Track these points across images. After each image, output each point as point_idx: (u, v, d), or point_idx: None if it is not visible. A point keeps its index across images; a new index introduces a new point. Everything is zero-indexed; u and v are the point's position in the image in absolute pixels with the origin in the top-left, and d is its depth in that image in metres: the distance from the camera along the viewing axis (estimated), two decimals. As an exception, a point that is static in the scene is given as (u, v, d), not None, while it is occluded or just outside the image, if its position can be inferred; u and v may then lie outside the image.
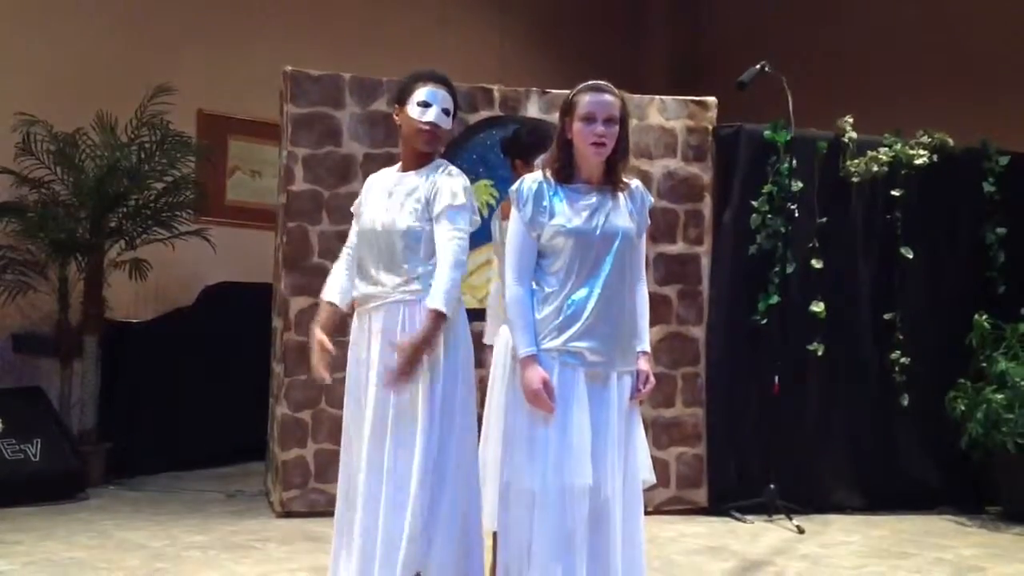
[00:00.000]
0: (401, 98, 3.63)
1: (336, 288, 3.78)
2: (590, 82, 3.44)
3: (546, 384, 3.23)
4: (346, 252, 3.83)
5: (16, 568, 4.58)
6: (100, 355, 6.55)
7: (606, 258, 3.34)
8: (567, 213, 3.34)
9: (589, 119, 3.34)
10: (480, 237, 5.97)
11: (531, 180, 3.39)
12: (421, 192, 3.56)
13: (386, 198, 3.61)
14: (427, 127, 3.58)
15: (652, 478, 3.56)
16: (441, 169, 3.61)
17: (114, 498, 6.13)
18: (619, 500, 3.32)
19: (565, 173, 3.40)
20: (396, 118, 3.66)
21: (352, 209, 3.79)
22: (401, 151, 3.72)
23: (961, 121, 7.05)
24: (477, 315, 5.87)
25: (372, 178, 3.78)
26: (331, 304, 3.78)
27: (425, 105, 3.56)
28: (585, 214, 3.35)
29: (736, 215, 6.33)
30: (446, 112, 3.63)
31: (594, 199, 3.38)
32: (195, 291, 7.31)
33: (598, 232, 3.34)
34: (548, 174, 3.41)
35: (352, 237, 3.79)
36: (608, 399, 3.34)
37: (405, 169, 3.67)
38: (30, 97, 6.59)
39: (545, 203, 3.35)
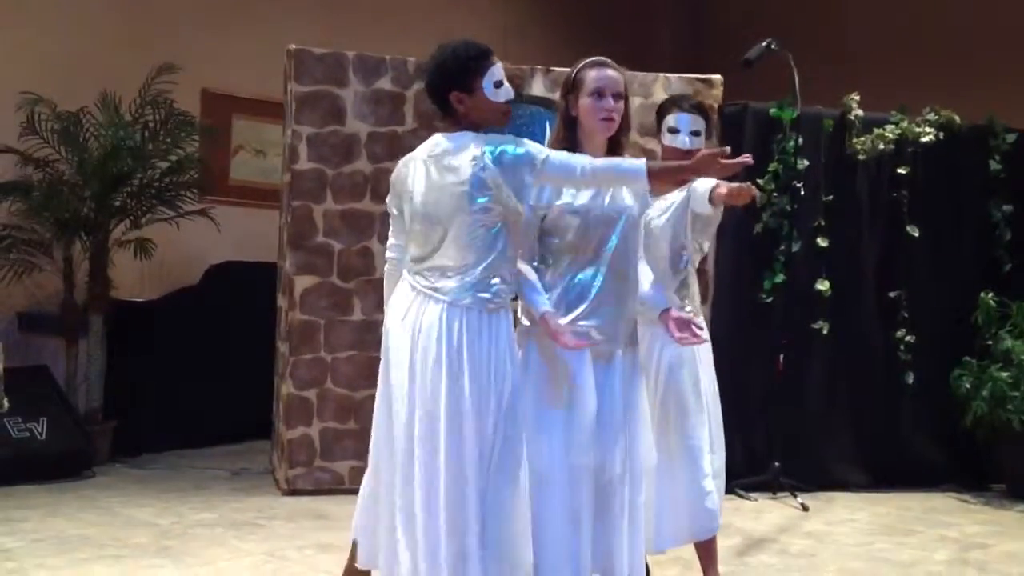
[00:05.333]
0: (465, 83, 3.19)
1: None
2: (593, 58, 3.43)
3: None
4: None
5: (23, 545, 4.60)
6: (105, 334, 6.55)
7: (611, 236, 3.34)
8: (573, 191, 3.33)
9: (599, 94, 3.33)
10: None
11: None
12: None
13: None
14: (509, 106, 3.28)
15: (653, 459, 3.56)
16: None
17: (120, 476, 6.15)
18: (622, 478, 3.33)
19: (570, 151, 3.39)
20: (460, 105, 3.20)
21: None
22: (474, 128, 3.23)
23: (968, 98, 7.02)
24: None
25: None
26: None
27: (500, 84, 3.23)
28: (591, 192, 3.34)
29: (741, 193, 6.30)
30: None
31: (599, 177, 3.37)
32: (200, 270, 7.31)
33: (604, 210, 3.33)
34: (553, 153, 3.40)
35: None
36: (612, 378, 3.35)
37: None
38: (34, 76, 6.57)
39: (551, 181, 3.34)
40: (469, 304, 3.12)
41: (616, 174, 3.16)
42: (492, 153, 3.11)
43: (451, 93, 3.21)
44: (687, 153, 3.98)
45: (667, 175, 3.16)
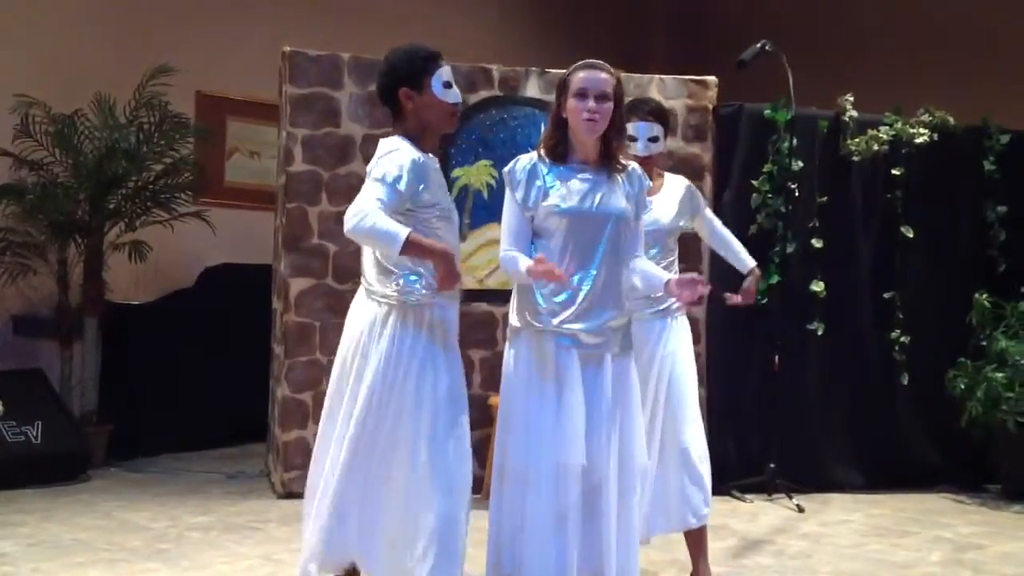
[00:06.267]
0: (414, 80, 3.32)
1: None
2: (585, 60, 3.44)
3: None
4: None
5: (19, 549, 4.60)
6: (100, 337, 6.55)
7: (601, 239, 3.34)
8: (561, 193, 3.33)
9: (581, 95, 3.34)
10: (481, 217, 6.02)
11: (526, 160, 3.38)
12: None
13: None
14: (457, 108, 3.41)
15: (646, 461, 3.56)
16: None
17: (115, 479, 6.15)
18: (613, 481, 3.32)
19: (560, 152, 3.39)
20: (408, 102, 3.33)
21: (404, 188, 3.20)
22: (417, 134, 3.35)
23: (962, 99, 7.02)
24: (476, 296, 5.91)
25: (424, 160, 3.30)
26: None
27: (449, 86, 3.35)
28: (580, 194, 3.34)
29: (736, 194, 6.32)
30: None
31: (589, 179, 3.37)
32: (195, 272, 7.31)
33: (592, 213, 3.33)
34: (543, 153, 3.40)
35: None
36: (602, 381, 3.34)
37: (431, 153, 3.39)
38: (28, 78, 6.56)
39: (539, 183, 3.35)
40: (389, 297, 3.29)
41: (376, 236, 3.09)
42: (376, 158, 3.27)
43: (400, 90, 3.33)
44: (645, 160, 4.06)
45: (420, 253, 3.15)
